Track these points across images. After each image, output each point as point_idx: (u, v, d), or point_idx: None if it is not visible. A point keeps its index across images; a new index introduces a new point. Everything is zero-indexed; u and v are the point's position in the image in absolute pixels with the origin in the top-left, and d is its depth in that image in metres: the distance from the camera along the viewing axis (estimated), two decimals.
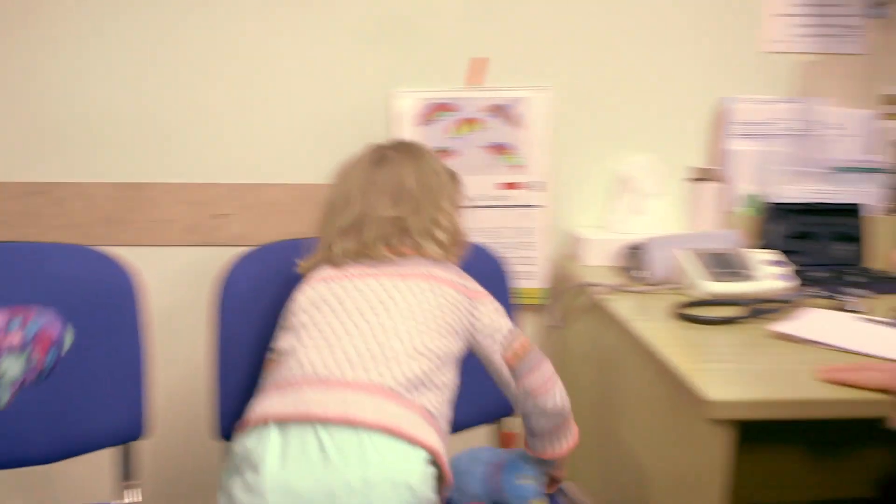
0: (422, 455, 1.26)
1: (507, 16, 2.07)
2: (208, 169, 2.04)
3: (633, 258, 1.95)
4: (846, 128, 2.14)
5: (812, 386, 1.34)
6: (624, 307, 1.75)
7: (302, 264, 1.54)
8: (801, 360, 1.45)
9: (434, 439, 1.28)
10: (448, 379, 1.37)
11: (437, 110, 2.06)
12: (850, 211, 2.00)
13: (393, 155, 1.53)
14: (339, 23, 2.03)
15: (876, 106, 2.19)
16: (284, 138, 2.06)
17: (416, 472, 1.24)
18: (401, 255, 1.45)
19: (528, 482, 1.50)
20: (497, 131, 2.09)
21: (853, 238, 1.99)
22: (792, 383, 1.35)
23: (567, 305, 1.90)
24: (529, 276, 2.12)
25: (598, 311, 1.82)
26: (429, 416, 1.30)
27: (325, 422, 1.23)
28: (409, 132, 2.05)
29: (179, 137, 2.03)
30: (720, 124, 2.13)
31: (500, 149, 2.10)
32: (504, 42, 2.08)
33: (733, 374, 1.38)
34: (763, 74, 2.15)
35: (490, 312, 1.46)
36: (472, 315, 1.44)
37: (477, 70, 2.07)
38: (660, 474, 1.49)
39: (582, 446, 1.88)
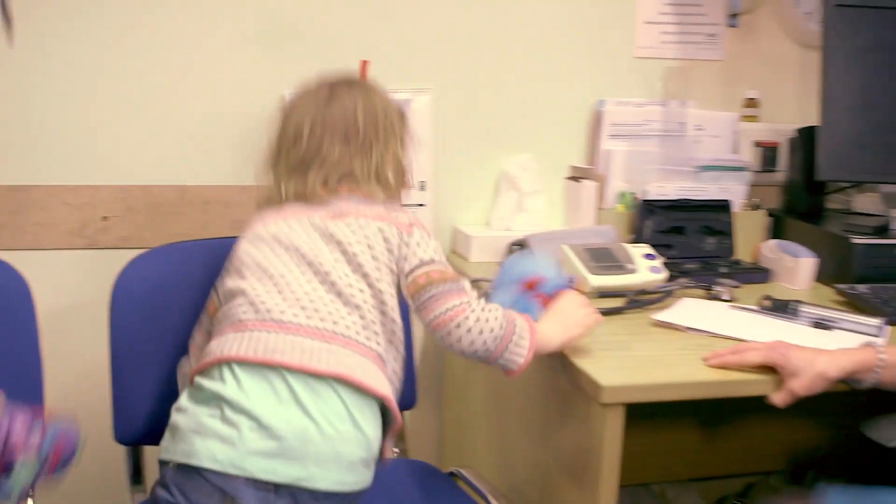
0: (375, 403, 1.32)
1: (390, 19, 2.12)
2: (94, 171, 2.01)
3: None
4: (711, 129, 2.29)
5: (692, 369, 1.45)
6: None
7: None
8: (681, 346, 1.56)
9: (384, 386, 1.33)
10: (392, 318, 1.40)
11: None
12: (720, 207, 2.14)
13: (344, 91, 1.53)
14: (229, 25, 2.03)
15: (737, 108, 2.35)
16: (174, 140, 2.05)
17: (370, 421, 1.30)
18: (335, 193, 1.46)
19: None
20: None
21: (722, 232, 2.13)
22: (674, 367, 1.46)
23: None
24: None
25: None
26: (379, 360, 1.36)
27: (288, 368, 1.27)
28: None
29: (65, 139, 1.99)
30: (596, 125, 2.24)
31: None
32: (387, 45, 2.12)
33: (620, 361, 1.48)
34: (636, 78, 2.28)
35: (413, 245, 1.43)
36: (403, 249, 1.42)
37: (360, 73, 2.11)
38: (554, 458, 1.57)
39: (478, 435, 1.95)
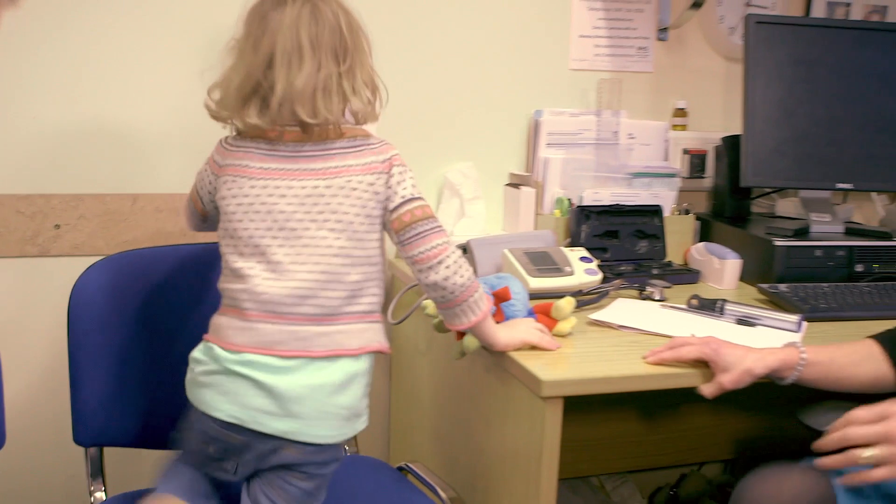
0: (365, 360, 1.47)
1: None
2: (46, 180, 2.05)
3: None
4: (642, 137, 2.41)
5: (625, 364, 1.56)
6: None
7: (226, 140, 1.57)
8: (615, 343, 1.67)
9: (373, 336, 1.48)
10: (378, 268, 1.51)
11: None
12: (651, 211, 2.25)
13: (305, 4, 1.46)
14: (176, 40, 2.08)
15: (667, 118, 2.48)
16: (126, 149, 2.09)
17: (359, 379, 1.47)
18: (316, 140, 1.46)
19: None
20: None
21: (654, 236, 2.24)
22: (608, 363, 1.56)
23: (403, 304, 2.05)
24: None
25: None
26: (367, 315, 1.48)
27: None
28: None
29: (16, 148, 2.02)
30: (534, 134, 2.34)
31: None
32: None
33: (559, 358, 1.57)
34: (571, 89, 2.39)
35: (395, 184, 1.48)
36: (387, 191, 1.48)
37: None
38: (499, 450, 1.66)
39: (425, 431, 2.03)
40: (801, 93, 2.16)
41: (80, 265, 1.86)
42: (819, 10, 2.56)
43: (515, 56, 2.34)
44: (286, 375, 1.40)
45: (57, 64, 2.02)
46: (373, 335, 1.49)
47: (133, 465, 1.86)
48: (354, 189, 1.46)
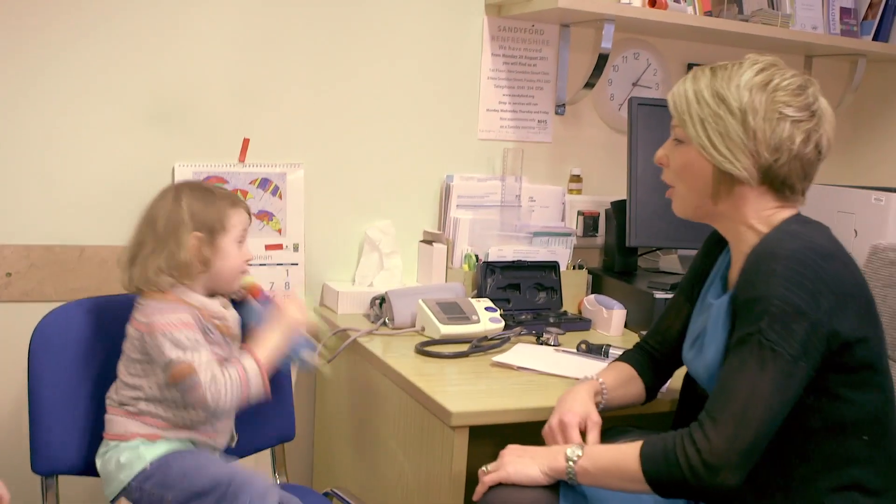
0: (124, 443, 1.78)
1: (268, 102, 2.44)
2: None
3: (379, 307, 2.37)
4: (542, 200, 2.70)
5: (519, 399, 1.84)
6: (376, 347, 2.16)
7: None
8: (514, 382, 1.94)
9: (128, 426, 1.80)
10: (151, 391, 1.79)
11: (211, 182, 2.39)
12: (549, 267, 2.54)
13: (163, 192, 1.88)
14: (123, 101, 2.29)
15: (564, 183, 2.78)
16: (73, 204, 2.28)
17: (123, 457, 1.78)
18: (135, 291, 1.81)
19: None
20: (262, 201, 2.45)
21: (552, 288, 2.53)
22: (506, 398, 1.84)
23: (329, 347, 2.28)
24: None
25: (355, 351, 2.22)
26: (129, 413, 1.80)
27: None
28: None
29: None
30: (446, 196, 2.62)
31: (265, 216, 2.46)
32: (265, 125, 2.44)
33: (466, 394, 1.84)
34: (479, 157, 2.68)
35: (154, 348, 1.74)
36: (147, 347, 1.76)
37: (243, 148, 2.42)
38: (415, 475, 1.91)
39: (350, 459, 2.25)
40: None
41: (30, 311, 2.06)
42: None
43: (430, 126, 2.62)
44: None
45: (5, 121, 2.20)
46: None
47: (86, 490, 2.04)
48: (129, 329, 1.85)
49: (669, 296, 2.39)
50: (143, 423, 1.79)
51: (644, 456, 1.47)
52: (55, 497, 1.90)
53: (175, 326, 1.74)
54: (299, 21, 2.44)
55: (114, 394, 1.83)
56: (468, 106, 2.67)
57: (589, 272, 2.67)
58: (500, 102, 2.70)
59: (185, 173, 2.36)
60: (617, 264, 2.69)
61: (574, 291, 2.60)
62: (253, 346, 1.80)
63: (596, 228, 2.79)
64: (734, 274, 1.61)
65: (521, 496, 1.56)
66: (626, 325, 2.44)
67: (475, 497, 1.60)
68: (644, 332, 2.30)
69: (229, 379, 1.73)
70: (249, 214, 1.91)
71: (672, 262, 2.71)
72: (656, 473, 1.45)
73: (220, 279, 1.85)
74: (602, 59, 2.58)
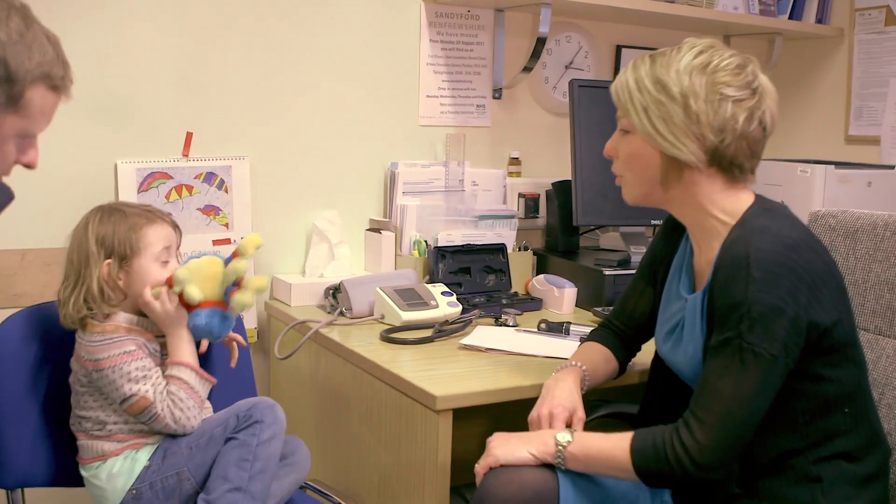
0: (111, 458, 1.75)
1: (211, 96, 2.40)
2: None
3: (334, 297, 2.36)
4: (484, 184, 2.73)
5: (497, 379, 1.86)
6: (338, 337, 2.15)
7: None
8: (485, 364, 1.97)
9: (104, 447, 1.75)
10: (110, 417, 1.75)
11: (155, 178, 2.34)
12: (497, 249, 2.57)
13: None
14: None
15: (503, 166, 2.82)
16: (13, 206, 2.19)
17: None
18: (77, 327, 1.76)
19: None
20: (207, 195, 2.41)
21: (500, 270, 2.56)
22: (484, 379, 1.86)
23: (287, 340, 2.27)
24: (244, 318, 2.45)
25: (314, 343, 2.21)
26: (99, 436, 1.76)
27: None
28: (133, 199, 2.29)
29: None
30: (391, 184, 2.62)
31: (211, 210, 2.42)
32: (208, 118, 2.40)
33: (443, 378, 1.85)
34: (422, 143, 2.69)
35: (106, 385, 1.71)
36: (97, 384, 1.72)
37: (186, 143, 2.37)
38: (393, 462, 1.91)
39: (318, 451, 2.24)
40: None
41: None
42: None
43: (372, 114, 2.62)
44: None
45: None
46: None
47: (54, 502, 1.98)
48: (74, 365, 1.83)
49: (618, 272, 2.46)
50: (117, 441, 1.75)
51: (634, 451, 1.51)
52: None
53: (122, 359, 1.71)
54: (239, 14, 2.40)
55: (75, 422, 1.78)
56: (408, 93, 2.67)
57: (534, 253, 2.71)
58: (440, 88, 2.72)
59: (127, 170, 2.30)
60: (560, 244, 2.74)
61: (521, 272, 2.64)
62: (172, 354, 1.77)
63: (537, 210, 2.84)
64: (701, 264, 1.64)
65: (518, 475, 1.57)
66: (576, 304, 2.49)
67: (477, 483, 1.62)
68: (597, 309, 2.38)
69: (181, 398, 1.72)
70: (176, 228, 1.85)
71: (614, 240, 2.78)
72: (646, 467, 1.50)
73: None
74: (540, 43, 2.62)
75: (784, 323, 1.45)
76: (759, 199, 1.62)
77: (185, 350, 1.77)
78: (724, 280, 1.50)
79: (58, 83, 1.39)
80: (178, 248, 1.86)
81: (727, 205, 1.59)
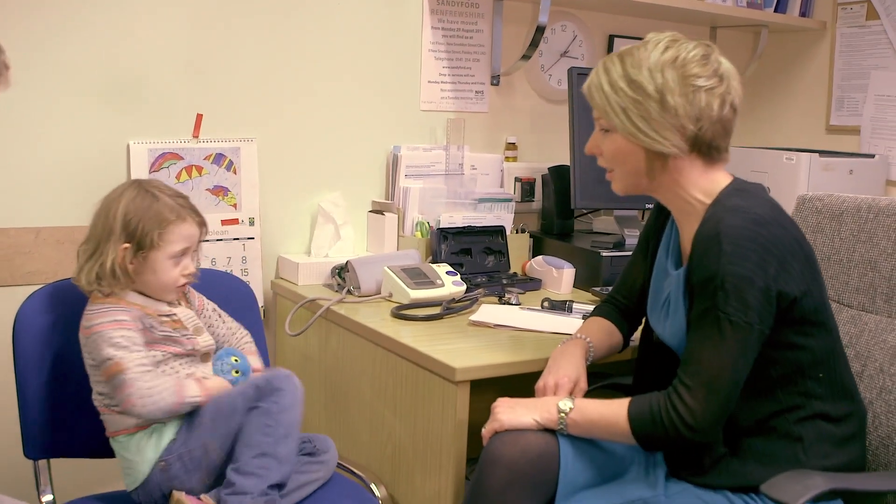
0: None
1: (220, 79, 2.45)
2: None
3: (341, 276, 2.43)
4: (482, 168, 2.81)
5: (509, 353, 1.94)
6: (349, 315, 2.22)
7: None
8: (496, 339, 2.05)
9: (127, 421, 1.77)
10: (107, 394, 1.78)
11: (166, 159, 2.38)
12: (496, 231, 2.65)
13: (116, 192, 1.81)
14: (76, 80, 2.26)
15: (500, 151, 2.90)
16: (28, 185, 2.24)
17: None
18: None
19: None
20: (216, 176, 2.46)
21: (500, 251, 2.64)
22: (497, 353, 1.94)
23: (295, 318, 2.33)
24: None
25: (326, 320, 2.28)
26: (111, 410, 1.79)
27: None
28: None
29: None
30: (393, 167, 2.68)
31: (220, 191, 2.47)
32: (218, 101, 2.45)
33: (458, 352, 1.92)
34: (423, 127, 2.76)
35: (94, 350, 1.73)
36: (91, 351, 1.76)
37: (196, 124, 2.42)
38: (409, 433, 1.99)
39: (329, 427, 2.30)
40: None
41: None
42: None
43: (375, 99, 2.68)
44: None
45: None
46: None
47: (78, 474, 2.03)
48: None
49: (615, 254, 2.54)
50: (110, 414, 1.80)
51: (632, 417, 1.61)
52: (48, 481, 1.89)
53: (110, 326, 1.73)
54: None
55: (96, 397, 1.81)
56: (410, 79, 2.74)
57: (530, 235, 2.79)
58: (441, 74, 2.79)
59: (139, 150, 2.35)
60: (556, 227, 2.82)
61: (518, 254, 2.72)
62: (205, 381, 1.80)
63: (532, 193, 2.92)
64: (685, 242, 1.74)
65: (523, 437, 1.66)
66: (573, 284, 2.58)
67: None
68: (595, 289, 2.47)
69: (162, 381, 1.73)
70: (202, 226, 1.85)
71: (608, 224, 2.87)
72: (643, 432, 1.61)
73: (148, 290, 1.81)
74: (539, 32, 2.70)
75: (755, 293, 1.55)
76: (736, 181, 1.71)
77: (212, 388, 1.79)
78: (699, 255, 1.60)
79: None
80: (200, 244, 1.88)
81: (706, 186, 1.68)
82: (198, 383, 1.77)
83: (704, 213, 1.65)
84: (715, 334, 1.56)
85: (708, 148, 1.66)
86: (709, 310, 1.57)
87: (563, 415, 1.66)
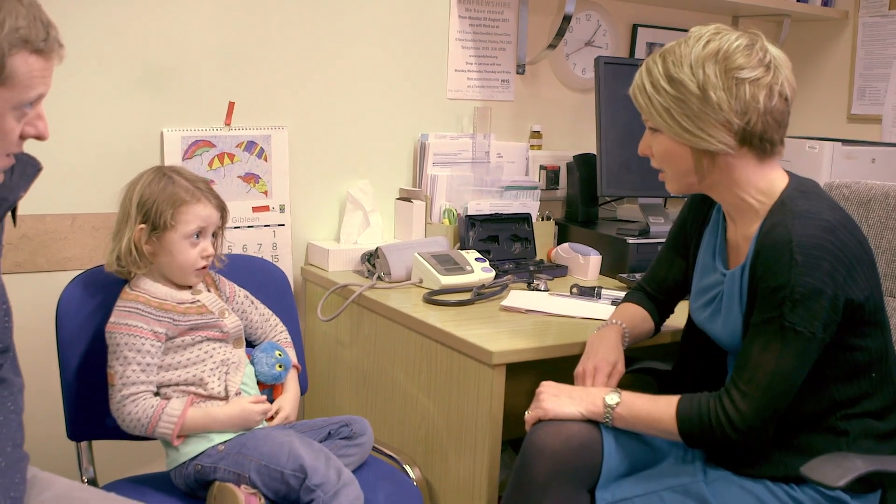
0: None
1: (252, 67, 2.47)
2: None
3: (371, 263, 2.46)
4: (508, 156, 2.83)
5: (542, 338, 1.97)
6: (381, 300, 2.25)
7: None
8: (528, 324, 2.08)
9: None
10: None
11: (199, 146, 2.41)
12: (523, 218, 2.67)
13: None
14: (113, 69, 2.29)
15: (526, 139, 2.92)
16: (64, 172, 2.27)
17: None
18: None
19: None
20: (248, 164, 2.49)
21: (526, 239, 2.67)
22: (531, 337, 1.97)
23: (327, 304, 2.36)
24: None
25: (358, 305, 2.31)
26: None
27: None
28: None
29: None
30: (421, 154, 2.71)
31: (251, 178, 2.50)
32: (249, 89, 2.48)
33: (493, 336, 1.95)
34: (450, 116, 2.79)
35: (109, 347, 1.79)
36: None
37: (229, 112, 2.45)
38: (443, 416, 2.02)
39: (362, 410, 2.33)
40: (640, 119, 2.65)
41: (21, 282, 2.08)
42: (640, 52, 3.10)
43: (403, 87, 2.71)
44: None
45: None
46: None
47: (120, 455, 2.07)
48: None
49: (641, 241, 2.57)
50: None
51: (680, 417, 1.62)
52: (90, 463, 1.93)
53: (123, 329, 1.78)
54: None
55: None
56: (438, 67, 2.76)
57: (555, 223, 2.82)
58: (467, 63, 2.81)
59: (173, 138, 2.38)
60: (581, 214, 2.85)
61: (543, 241, 2.74)
62: (199, 408, 1.80)
63: (557, 181, 2.94)
64: (737, 239, 1.72)
65: (566, 427, 1.68)
66: (599, 271, 2.60)
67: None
68: (622, 276, 2.49)
69: (141, 408, 1.76)
70: (220, 209, 1.87)
71: (632, 212, 2.89)
72: (690, 432, 1.62)
73: (169, 273, 1.84)
74: (566, 21, 2.72)
75: (824, 303, 1.54)
76: (793, 179, 1.69)
77: (206, 418, 1.79)
78: (767, 263, 1.58)
79: (40, 46, 1.30)
80: (221, 228, 1.90)
81: (762, 185, 1.66)
82: (186, 405, 1.78)
83: (768, 215, 1.63)
84: (776, 342, 1.56)
85: (760, 141, 1.62)
86: (774, 318, 1.56)
87: (609, 409, 1.68)
